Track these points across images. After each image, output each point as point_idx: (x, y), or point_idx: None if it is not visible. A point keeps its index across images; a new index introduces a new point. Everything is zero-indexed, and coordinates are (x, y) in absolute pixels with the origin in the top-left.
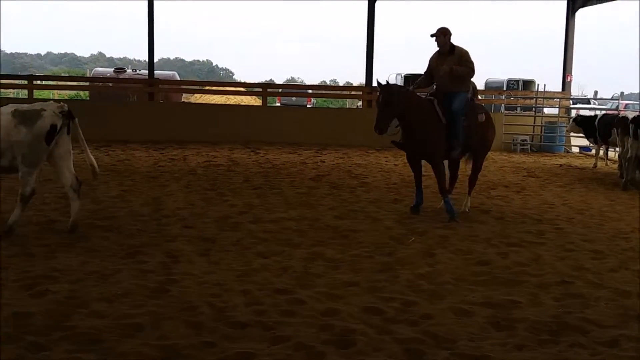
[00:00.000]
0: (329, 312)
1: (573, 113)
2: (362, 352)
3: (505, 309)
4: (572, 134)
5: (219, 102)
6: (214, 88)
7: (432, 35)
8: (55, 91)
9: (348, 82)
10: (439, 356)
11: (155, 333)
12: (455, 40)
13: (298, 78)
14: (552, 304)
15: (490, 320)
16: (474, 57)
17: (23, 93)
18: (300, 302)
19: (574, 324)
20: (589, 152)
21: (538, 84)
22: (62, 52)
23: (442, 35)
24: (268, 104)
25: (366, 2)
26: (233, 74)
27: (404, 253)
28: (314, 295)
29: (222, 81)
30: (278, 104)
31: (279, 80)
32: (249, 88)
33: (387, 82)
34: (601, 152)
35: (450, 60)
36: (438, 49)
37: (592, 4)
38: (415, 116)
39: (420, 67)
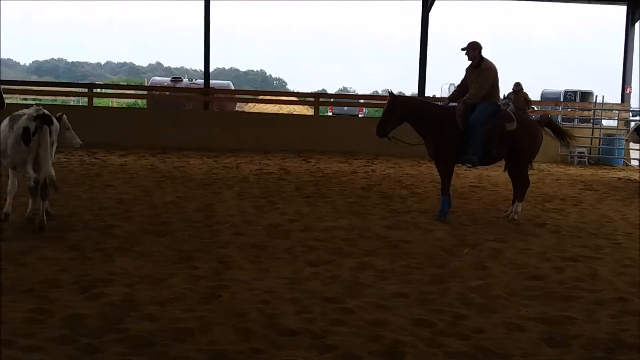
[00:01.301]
0: (377, 322)
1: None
2: None
3: (559, 325)
4: (630, 145)
5: (272, 112)
6: (267, 97)
7: (462, 49)
8: (114, 99)
9: (400, 92)
10: None
11: (206, 338)
12: (509, 51)
13: (350, 88)
14: (609, 321)
15: (544, 336)
16: (501, 71)
17: (83, 101)
18: (349, 312)
19: (631, 342)
20: None
21: (596, 96)
22: (122, 61)
23: (472, 49)
24: (320, 114)
25: (420, 13)
26: (286, 84)
27: (455, 265)
28: (363, 305)
29: (275, 91)
30: (330, 114)
31: (331, 90)
32: (302, 98)
33: (391, 92)
34: None
35: (476, 73)
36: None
37: None
38: (424, 122)
39: None
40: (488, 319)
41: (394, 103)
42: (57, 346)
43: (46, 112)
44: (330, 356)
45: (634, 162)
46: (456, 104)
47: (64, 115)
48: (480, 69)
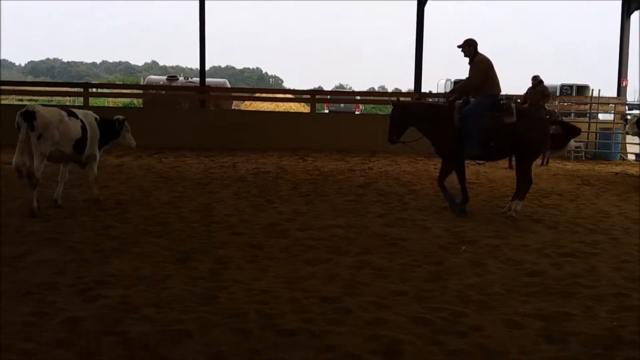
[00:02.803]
0: (376, 321)
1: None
2: None
3: (557, 321)
4: (628, 139)
5: (268, 110)
6: (263, 95)
7: (458, 47)
8: (110, 99)
9: (397, 89)
10: None
11: (204, 339)
12: (506, 46)
13: (346, 85)
14: (607, 317)
15: (542, 333)
16: (502, 64)
17: (79, 100)
18: (347, 311)
19: (629, 337)
20: None
21: (592, 89)
22: (117, 60)
23: (467, 46)
24: (316, 111)
25: (415, 7)
26: (282, 82)
27: (453, 262)
28: (361, 304)
29: (271, 88)
30: (326, 111)
31: (328, 87)
32: (298, 95)
33: (393, 101)
34: None
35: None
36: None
37: None
38: (425, 123)
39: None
40: (486, 316)
41: (397, 111)
42: (55, 349)
43: (32, 109)
44: (329, 356)
45: (631, 157)
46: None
47: (125, 120)
48: (473, 63)
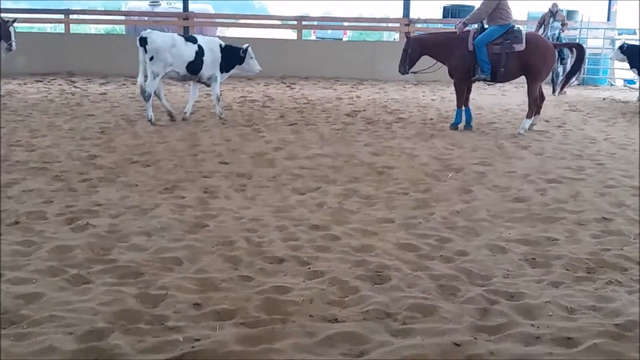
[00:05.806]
0: (363, 248)
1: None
2: (396, 288)
3: (541, 246)
4: (615, 64)
5: (254, 36)
6: (248, 22)
7: None
8: (92, 25)
9: (385, 16)
10: (472, 292)
11: (194, 267)
12: None
13: (333, 12)
14: (590, 241)
15: (526, 257)
16: None
17: (60, 28)
18: (335, 238)
19: (612, 261)
20: (633, 85)
21: (582, 15)
22: None
23: None
24: (303, 38)
25: None
26: (267, 7)
27: (440, 190)
28: (348, 232)
29: (257, 14)
30: (313, 38)
31: (315, 13)
32: (284, 21)
33: (407, 34)
34: None
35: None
36: None
37: None
38: (440, 51)
39: None
40: (471, 241)
41: (410, 43)
42: (45, 278)
43: (144, 35)
44: (317, 282)
45: (618, 82)
46: (470, 29)
47: (249, 47)
48: None
